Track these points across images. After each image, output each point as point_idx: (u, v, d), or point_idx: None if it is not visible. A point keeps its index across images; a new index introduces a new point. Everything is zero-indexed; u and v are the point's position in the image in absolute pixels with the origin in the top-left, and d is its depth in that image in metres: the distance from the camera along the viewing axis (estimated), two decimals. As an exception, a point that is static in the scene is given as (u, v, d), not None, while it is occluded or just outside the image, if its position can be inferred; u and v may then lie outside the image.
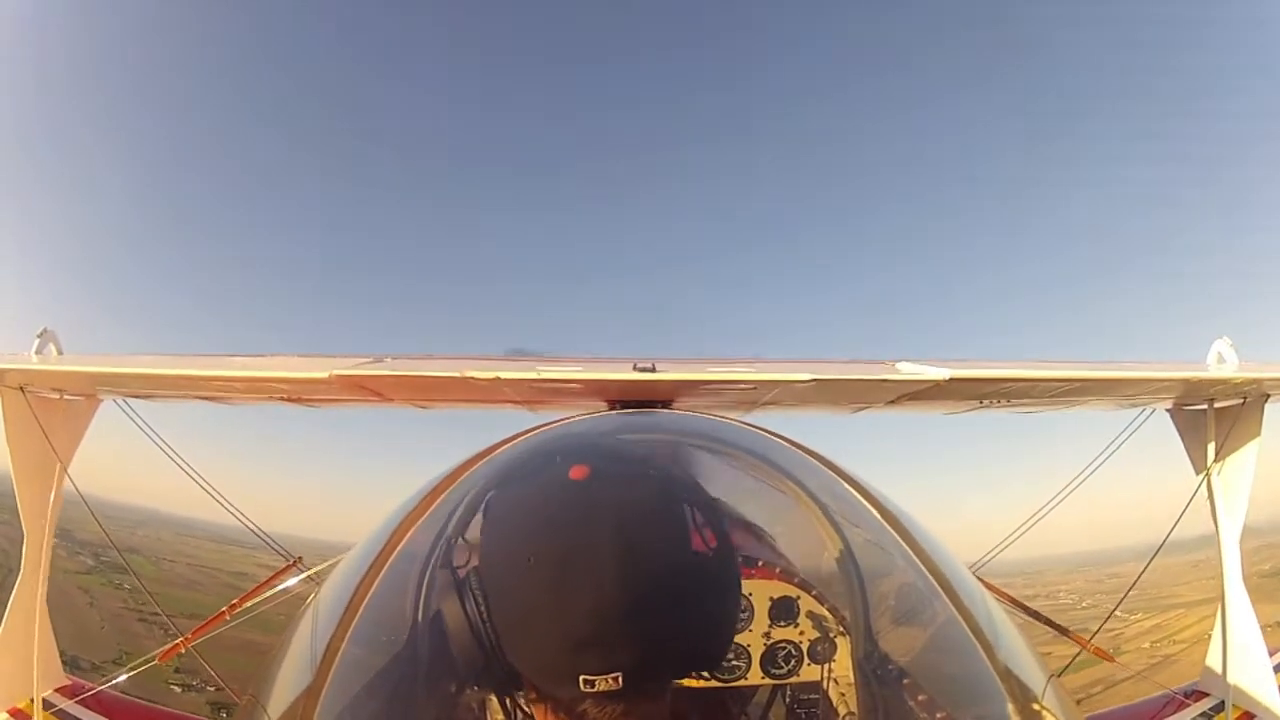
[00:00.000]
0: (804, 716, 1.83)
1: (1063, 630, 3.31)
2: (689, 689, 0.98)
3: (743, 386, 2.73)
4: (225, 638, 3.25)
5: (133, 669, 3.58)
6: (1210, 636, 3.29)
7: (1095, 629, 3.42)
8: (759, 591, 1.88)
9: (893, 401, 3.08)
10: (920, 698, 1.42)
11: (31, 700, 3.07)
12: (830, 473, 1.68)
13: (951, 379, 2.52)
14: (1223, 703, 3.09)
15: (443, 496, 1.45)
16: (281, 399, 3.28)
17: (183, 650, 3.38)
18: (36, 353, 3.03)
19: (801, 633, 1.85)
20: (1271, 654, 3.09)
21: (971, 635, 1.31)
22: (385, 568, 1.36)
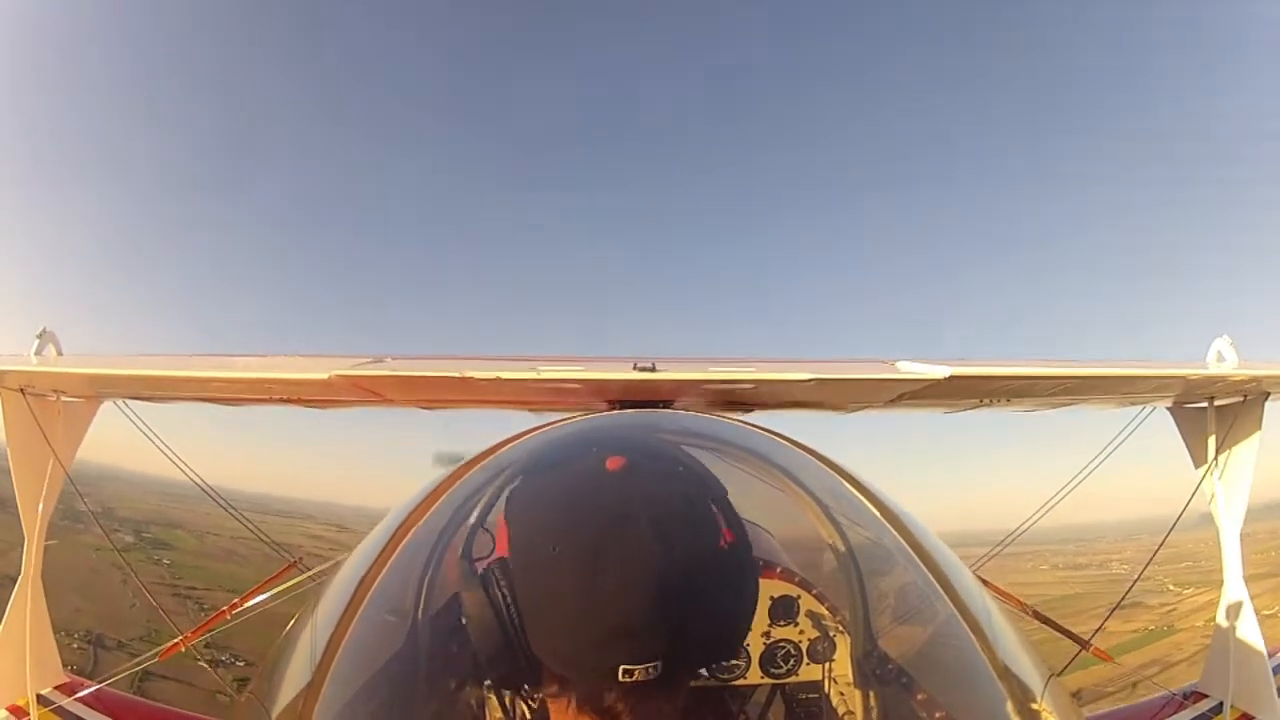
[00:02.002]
0: (804, 716, 1.83)
1: (1063, 630, 3.31)
2: (689, 689, 0.98)
3: (743, 386, 2.73)
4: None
5: (132, 668, 3.57)
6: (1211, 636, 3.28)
7: (1095, 629, 3.41)
8: (759, 590, 1.87)
9: (893, 401, 3.08)
10: (920, 697, 1.42)
11: (30, 698, 3.07)
12: (830, 472, 1.68)
13: (951, 377, 2.52)
14: (1222, 704, 3.08)
15: (446, 495, 1.45)
16: (282, 400, 3.28)
17: (183, 649, 3.38)
18: (36, 354, 3.03)
19: (801, 632, 1.84)
20: (1271, 655, 3.08)
21: (971, 635, 1.31)
22: (388, 566, 1.36)
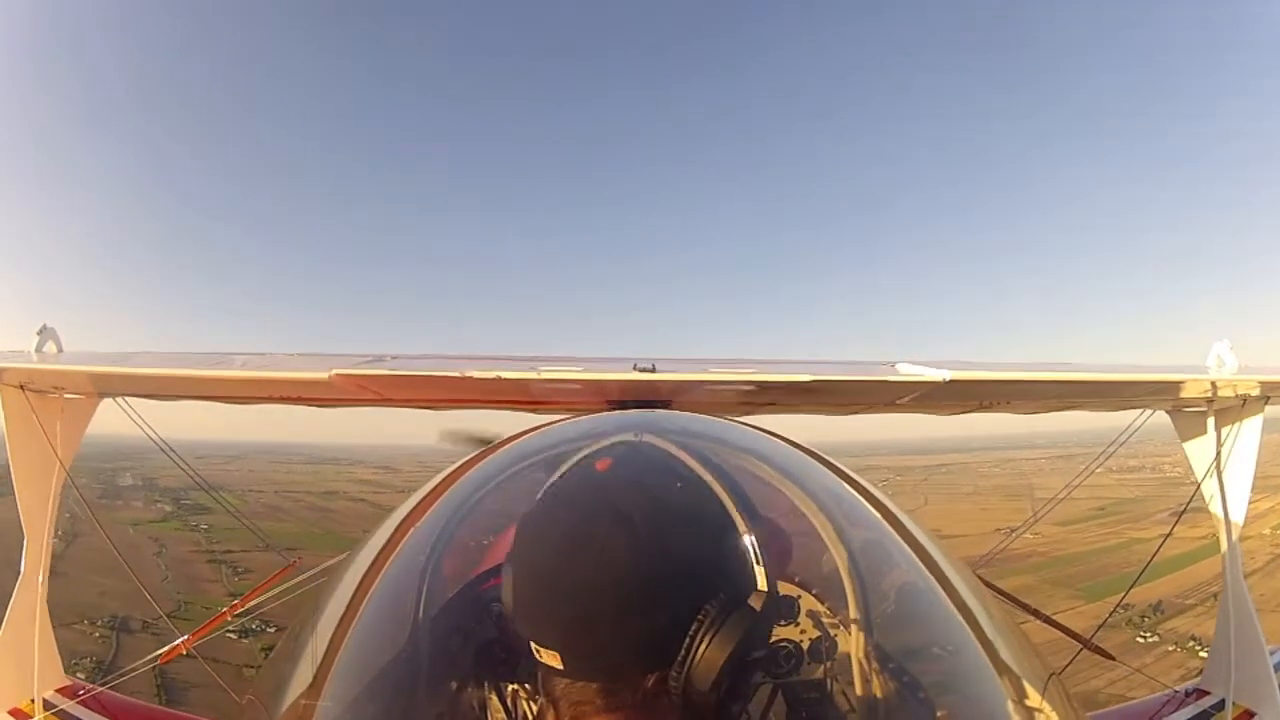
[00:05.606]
0: (804, 716, 1.83)
1: (1063, 630, 3.31)
2: (688, 689, 0.98)
3: (743, 386, 2.74)
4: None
5: (132, 670, 3.57)
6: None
7: (1095, 629, 3.42)
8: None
9: (893, 403, 3.08)
10: (920, 697, 1.42)
11: (32, 700, 3.07)
12: (830, 473, 1.68)
13: (951, 380, 2.52)
14: (1223, 701, 3.09)
15: (444, 496, 1.45)
16: (282, 399, 3.28)
17: (184, 652, 3.38)
18: (37, 350, 3.02)
19: (802, 632, 1.85)
20: (1273, 652, 3.09)
21: (972, 635, 1.31)
22: (386, 567, 1.36)
